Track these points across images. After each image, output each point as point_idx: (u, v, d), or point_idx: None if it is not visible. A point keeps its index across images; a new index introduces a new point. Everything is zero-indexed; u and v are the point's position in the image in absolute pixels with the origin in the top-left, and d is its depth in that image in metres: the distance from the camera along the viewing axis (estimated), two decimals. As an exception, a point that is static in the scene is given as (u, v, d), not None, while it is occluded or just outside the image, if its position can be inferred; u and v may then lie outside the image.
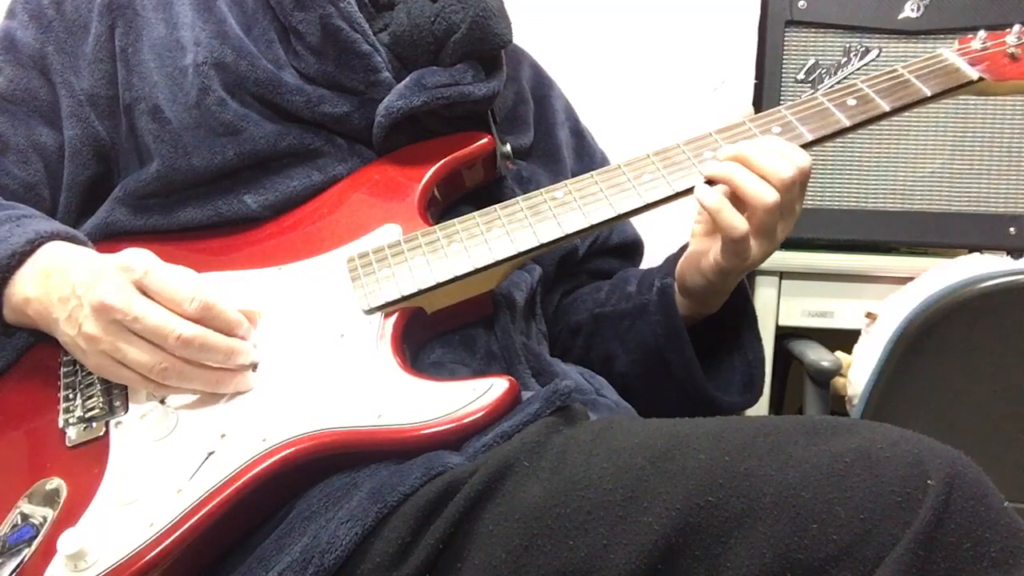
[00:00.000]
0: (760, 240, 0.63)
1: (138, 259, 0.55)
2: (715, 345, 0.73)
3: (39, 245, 0.58)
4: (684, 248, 0.72)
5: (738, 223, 0.61)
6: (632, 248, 0.85)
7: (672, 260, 0.73)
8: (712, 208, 0.61)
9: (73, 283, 0.56)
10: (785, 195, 0.61)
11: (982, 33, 0.68)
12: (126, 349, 0.54)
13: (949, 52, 0.68)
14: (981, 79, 0.66)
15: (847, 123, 0.64)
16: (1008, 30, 0.67)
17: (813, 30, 1.18)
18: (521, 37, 0.79)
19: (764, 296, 1.20)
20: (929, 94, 0.65)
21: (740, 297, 0.73)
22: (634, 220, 0.69)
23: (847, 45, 1.17)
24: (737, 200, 0.62)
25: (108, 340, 0.54)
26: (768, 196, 0.60)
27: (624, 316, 0.73)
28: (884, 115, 0.65)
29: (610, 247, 0.83)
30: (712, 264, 0.66)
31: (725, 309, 0.72)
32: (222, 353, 0.56)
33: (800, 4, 1.17)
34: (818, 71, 1.18)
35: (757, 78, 1.19)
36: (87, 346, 0.55)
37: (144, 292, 0.55)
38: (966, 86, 0.66)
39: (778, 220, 0.62)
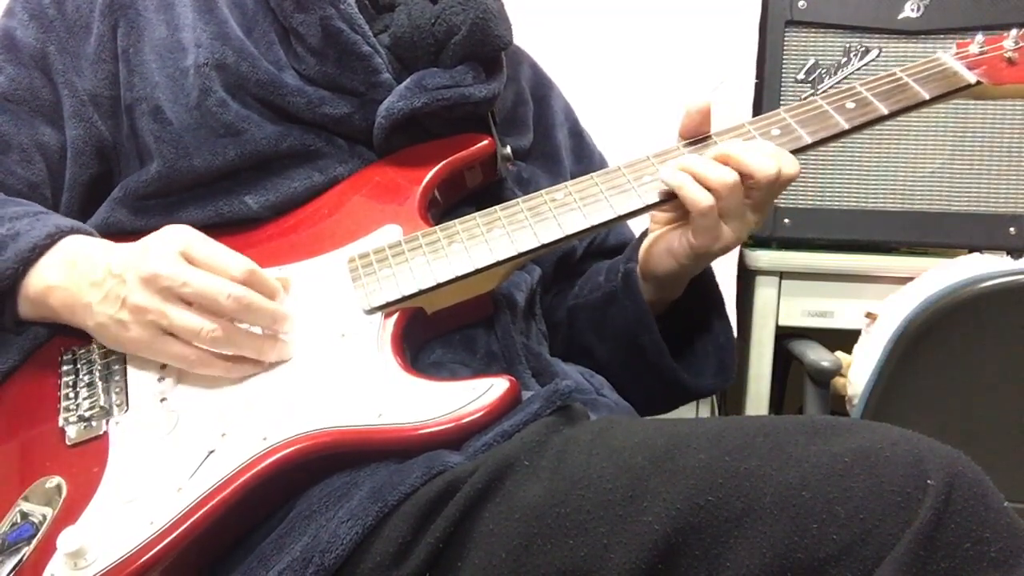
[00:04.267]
0: (732, 223, 0.63)
1: (179, 231, 0.57)
2: (687, 331, 0.74)
3: (59, 239, 0.59)
4: (644, 234, 0.73)
5: (701, 197, 0.61)
6: None
7: (635, 246, 0.73)
8: (675, 184, 0.62)
9: (108, 264, 0.57)
10: (763, 189, 0.62)
11: (980, 37, 0.68)
12: (174, 314, 0.55)
13: (947, 56, 0.68)
14: (979, 83, 0.66)
15: (846, 126, 0.64)
16: (1005, 34, 0.68)
17: (813, 30, 1.18)
18: (521, 38, 0.79)
19: (764, 296, 1.20)
20: (927, 97, 0.66)
21: (706, 283, 0.73)
22: (631, 221, 0.69)
23: (847, 45, 1.17)
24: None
25: (156, 309, 0.55)
26: (727, 177, 0.61)
27: (596, 306, 0.74)
28: (882, 118, 0.65)
29: (606, 249, 0.84)
30: (685, 247, 0.66)
31: (693, 295, 0.73)
32: (268, 317, 0.57)
33: (800, 4, 1.17)
34: (818, 71, 1.18)
35: (757, 78, 1.20)
36: (131, 318, 0.56)
37: (189, 261, 0.56)
38: (964, 90, 0.67)
39: (746, 205, 0.63)
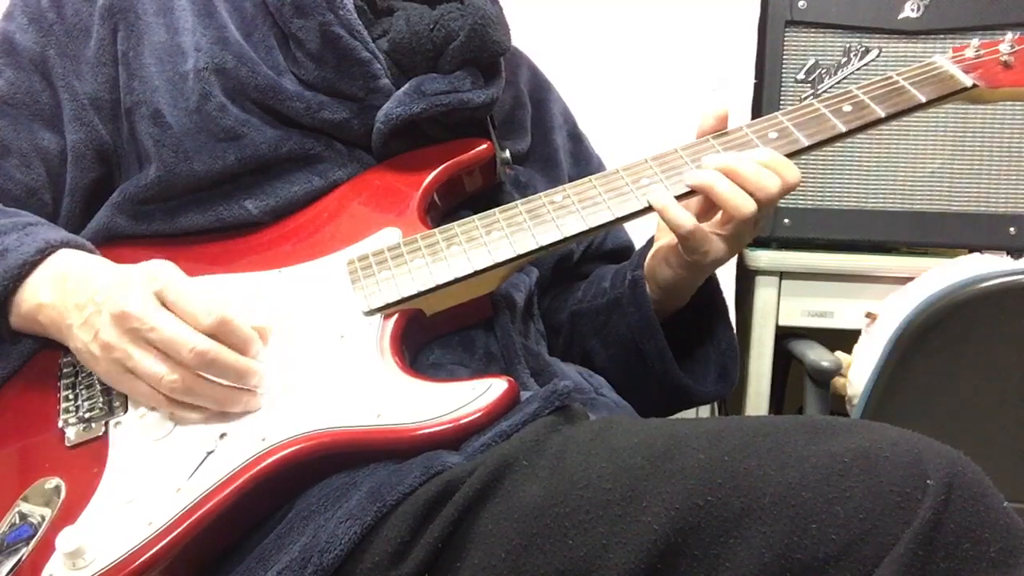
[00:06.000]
0: (730, 243, 0.64)
1: (160, 270, 0.55)
2: (689, 337, 0.74)
3: (49, 254, 0.58)
4: (651, 241, 0.73)
5: (683, 220, 0.62)
6: (625, 252, 0.85)
7: (641, 253, 0.74)
8: (658, 207, 0.62)
9: (92, 289, 0.56)
10: (766, 207, 0.62)
11: (975, 41, 0.69)
12: (139, 358, 0.54)
13: (943, 59, 0.68)
14: (975, 86, 0.67)
15: (843, 129, 0.65)
16: (1001, 39, 0.68)
17: (813, 30, 1.18)
18: (520, 40, 0.79)
19: (764, 296, 1.20)
20: (924, 100, 0.66)
21: (711, 289, 0.74)
22: (630, 225, 0.69)
23: (847, 45, 1.17)
24: (713, 206, 0.63)
25: (122, 348, 0.54)
26: (746, 208, 0.61)
27: (600, 311, 0.74)
28: (879, 121, 0.65)
29: (604, 252, 0.84)
30: (679, 259, 0.67)
31: (697, 302, 0.73)
32: (234, 372, 0.55)
33: (800, 4, 1.17)
34: (818, 71, 1.18)
35: (757, 78, 1.20)
36: (101, 353, 0.55)
37: (163, 303, 0.55)
38: (960, 93, 0.67)
39: (751, 228, 0.64)
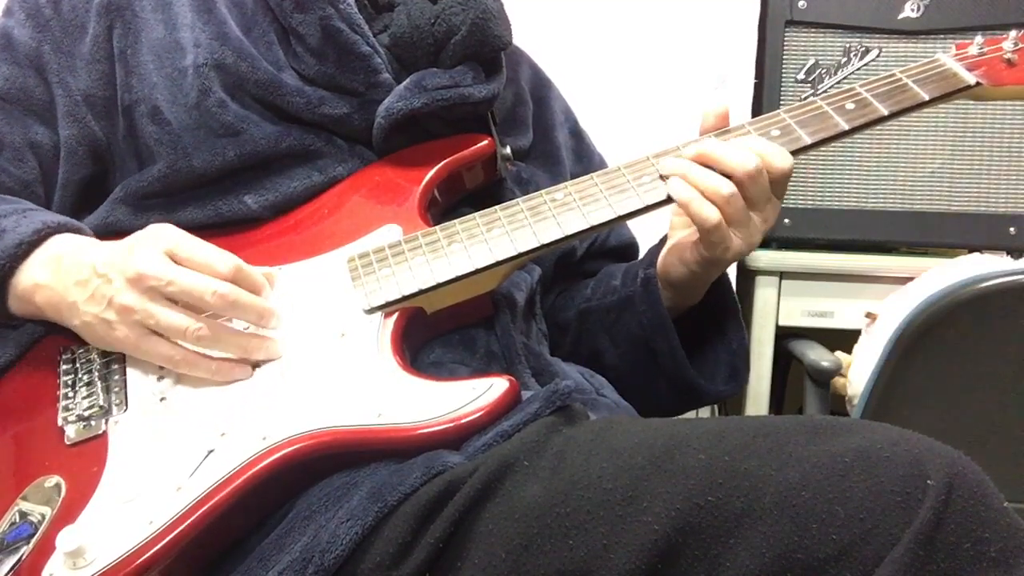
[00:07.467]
0: (738, 231, 0.63)
1: (164, 231, 0.58)
2: (700, 336, 0.74)
3: (47, 236, 0.59)
4: (664, 240, 0.73)
5: (708, 213, 0.61)
6: (628, 250, 0.85)
7: (654, 251, 0.73)
8: (683, 200, 0.62)
9: (93, 264, 0.57)
10: (751, 187, 0.61)
11: (979, 38, 0.68)
12: (160, 314, 0.55)
13: (947, 57, 0.68)
14: (978, 84, 0.66)
15: (845, 127, 0.64)
16: (1005, 36, 0.68)
17: (813, 30, 1.18)
18: (521, 37, 0.79)
19: (764, 296, 1.20)
20: (927, 98, 0.66)
21: (722, 288, 0.73)
22: (630, 222, 0.69)
23: (847, 45, 1.17)
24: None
25: (143, 309, 0.55)
26: (723, 188, 0.61)
27: (610, 309, 0.74)
28: (882, 119, 0.65)
29: (607, 249, 0.84)
30: (696, 256, 0.67)
31: (708, 301, 0.73)
32: (255, 313, 0.57)
33: (800, 4, 1.17)
34: (818, 71, 1.18)
35: (757, 78, 1.20)
36: (118, 318, 0.56)
37: (175, 260, 0.56)
38: (963, 91, 0.67)
39: (749, 212, 0.63)
